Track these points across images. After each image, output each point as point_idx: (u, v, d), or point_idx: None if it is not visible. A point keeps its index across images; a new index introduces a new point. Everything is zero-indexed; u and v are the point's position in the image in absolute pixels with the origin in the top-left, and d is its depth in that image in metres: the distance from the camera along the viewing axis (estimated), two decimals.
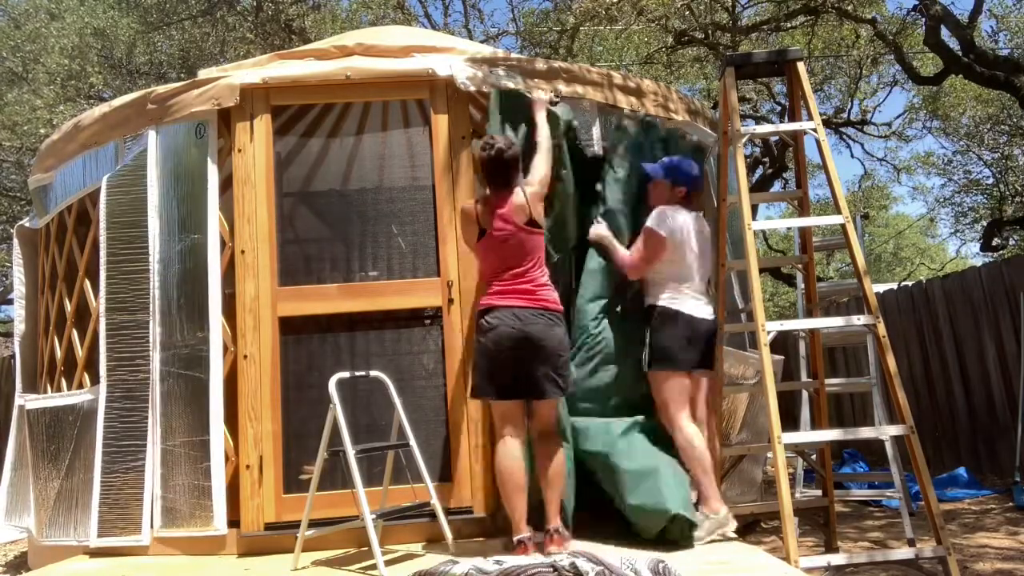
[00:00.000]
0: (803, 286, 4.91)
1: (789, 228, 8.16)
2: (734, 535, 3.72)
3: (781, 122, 10.14)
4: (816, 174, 13.20)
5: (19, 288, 5.45)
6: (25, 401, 5.02)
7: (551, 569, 2.86)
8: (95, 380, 4.32)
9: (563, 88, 4.36)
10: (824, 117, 11.13)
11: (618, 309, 4.00)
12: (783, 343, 8.60)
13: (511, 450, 3.43)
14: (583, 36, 10.88)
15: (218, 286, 4.07)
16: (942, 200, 15.83)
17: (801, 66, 4.20)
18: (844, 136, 13.79)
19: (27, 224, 5.53)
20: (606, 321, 3.97)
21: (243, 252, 4.07)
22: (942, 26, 7.32)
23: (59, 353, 4.85)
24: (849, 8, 8.50)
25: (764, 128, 5.26)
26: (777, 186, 12.31)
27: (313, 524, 3.53)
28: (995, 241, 11.99)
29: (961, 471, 6.94)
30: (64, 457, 4.47)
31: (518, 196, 3.57)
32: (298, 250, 4.99)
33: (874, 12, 9.44)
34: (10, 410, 5.96)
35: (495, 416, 3.57)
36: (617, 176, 4.22)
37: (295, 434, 3.98)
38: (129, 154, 4.47)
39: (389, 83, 4.28)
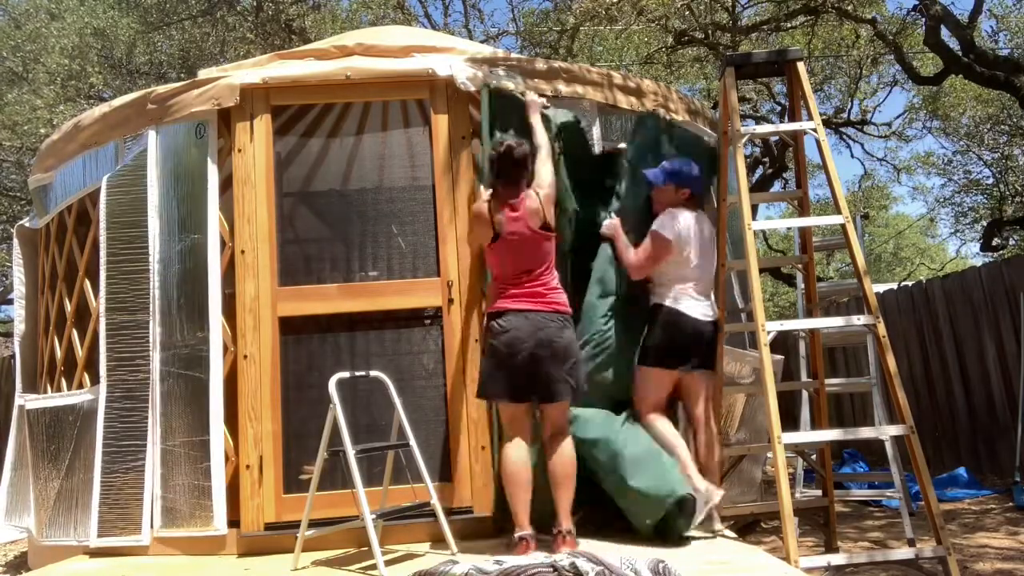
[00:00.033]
0: (803, 286, 4.91)
1: (789, 228, 8.17)
2: (729, 532, 3.73)
3: (781, 122, 10.14)
4: (816, 174, 13.20)
5: (19, 288, 5.45)
6: (25, 401, 5.02)
7: (551, 569, 2.85)
8: (95, 380, 4.32)
9: (563, 88, 4.36)
10: (824, 117, 11.12)
11: (626, 307, 4.01)
12: (783, 343, 8.60)
13: (518, 450, 3.47)
14: (583, 36, 10.88)
15: (218, 286, 4.07)
16: (942, 200, 15.85)
17: (801, 66, 4.20)
18: (844, 136, 13.79)
19: (27, 224, 5.53)
20: (614, 318, 3.98)
21: (243, 252, 4.07)
22: (942, 26, 7.32)
23: (59, 353, 4.85)
24: (849, 8, 8.50)
25: (764, 128, 5.26)
26: (777, 186, 12.31)
27: (313, 524, 3.52)
28: (995, 241, 11.99)
29: (961, 471, 6.95)
30: (64, 457, 4.47)
31: (532, 200, 3.58)
32: (298, 250, 4.99)
33: (874, 12, 9.44)
34: (10, 410, 5.96)
35: (504, 418, 3.58)
36: (635, 176, 4.22)
37: (295, 434, 3.98)
38: (129, 154, 4.47)
39: (389, 83, 4.27)
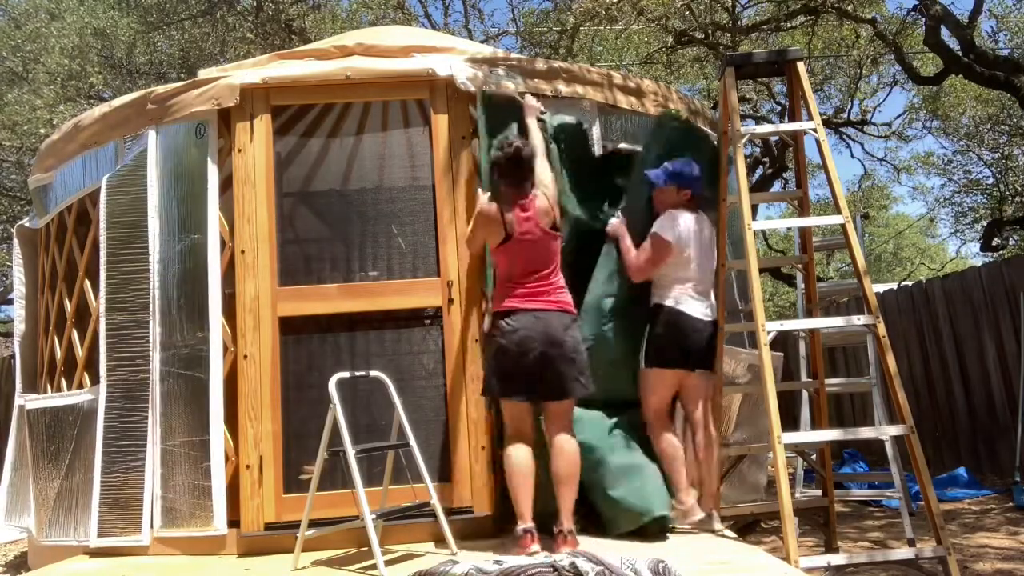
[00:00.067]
0: (803, 286, 4.91)
1: (789, 228, 8.17)
2: (729, 532, 3.73)
3: (781, 122, 10.14)
4: (816, 174, 13.21)
5: (19, 288, 5.45)
6: (25, 401, 5.02)
7: (551, 569, 2.85)
8: (95, 380, 4.32)
9: (563, 88, 4.36)
10: (824, 117, 11.13)
11: (627, 308, 4.00)
12: (783, 343, 8.60)
13: (522, 448, 3.48)
14: (583, 36, 10.88)
15: (218, 286, 4.07)
16: (942, 200, 15.86)
17: (801, 66, 4.20)
18: (844, 136, 13.80)
19: (27, 224, 5.53)
20: (615, 320, 3.98)
21: (243, 252, 4.07)
22: (942, 26, 7.32)
23: (59, 353, 4.85)
24: (849, 8, 8.50)
25: (764, 128, 5.26)
26: (777, 186, 12.31)
27: (313, 524, 3.53)
28: (995, 241, 12.00)
29: (961, 471, 6.95)
30: (64, 457, 4.47)
31: (542, 200, 3.62)
32: (298, 250, 4.99)
33: (874, 12, 9.44)
34: (10, 410, 5.96)
35: (508, 416, 3.58)
36: (642, 176, 4.20)
37: (295, 434, 3.98)
38: (129, 154, 4.47)
39: (389, 83, 4.27)
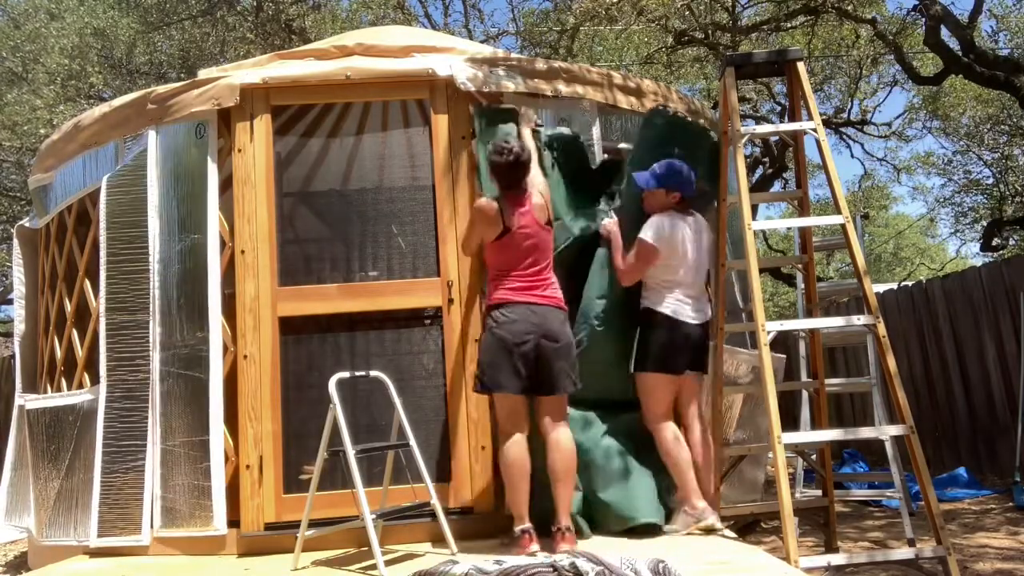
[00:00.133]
0: (803, 286, 4.91)
1: (789, 228, 8.17)
2: (729, 532, 3.73)
3: (781, 122, 10.15)
4: (816, 174, 13.20)
5: (19, 288, 5.45)
6: (25, 401, 5.02)
7: (551, 569, 2.85)
8: (95, 380, 4.32)
9: (563, 88, 4.36)
10: (824, 117, 11.12)
11: (619, 309, 4.00)
12: (783, 343, 8.60)
13: (518, 442, 3.48)
14: (583, 36, 10.88)
15: (218, 286, 4.07)
16: (942, 200, 15.85)
17: (801, 66, 4.20)
18: (844, 136, 13.80)
19: (27, 224, 5.53)
20: (608, 319, 3.97)
21: (243, 252, 4.07)
22: (942, 26, 7.32)
23: (59, 353, 4.85)
24: (849, 8, 8.50)
25: (764, 128, 5.26)
26: (777, 186, 12.31)
27: (313, 524, 3.53)
28: (995, 241, 12.00)
29: (961, 471, 6.95)
30: (64, 457, 4.47)
31: (537, 197, 3.69)
32: (298, 250, 4.99)
33: (874, 12, 9.44)
34: (10, 410, 5.96)
35: (503, 411, 3.56)
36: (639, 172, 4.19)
37: (295, 434, 3.98)
38: (129, 154, 4.47)
39: (389, 83, 4.27)
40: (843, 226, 3.96)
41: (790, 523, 3.43)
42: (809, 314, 4.48)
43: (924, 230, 22.68)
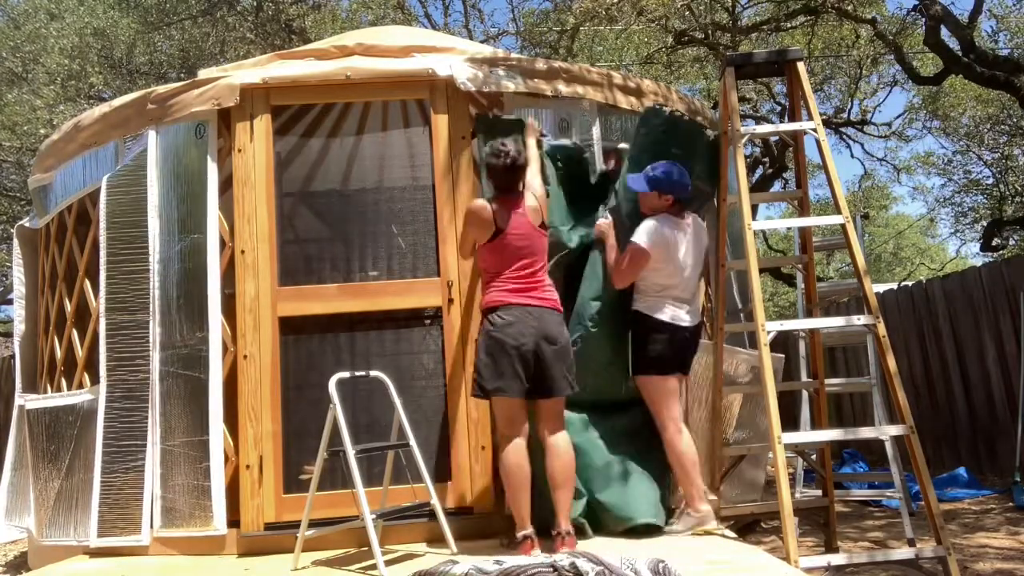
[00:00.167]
0: (803, 286, 4.91)
1: (789, 228, 8.17)
2: (729, 532, 3.73)
3: (781, 122, 10.14)
4: (816, 174, 13.21)
5: (19, 288, 5.45)
6: (25, 401, 5.02)
7: (551, 569, 2.85)
8: (95, 380, 4.32)
9: (563, 88, 4.36)
10: (824, 117, 11.12)
11: (614, 309, 4.00)
12: (783, 343, 8.60)
13: (517, 448, 3.46)
14: (583, 36, 10.88)
15: (217, 286, 4.07)
16: (942, 200, 15.85)
17: (801, 66, 4.20)
18: (844, 136, 13.79)
19: (27, 224, 5.53)
20: (603, 320, 3.97)
21: (243, 252, 4.07)
22: (942, 26, 7.32)
23: (59, 353, 4.85)
24: (849, 8, 8.50)
25: (764, 128, 5.26)
26: (777, 186, 12.31)
27: (313, 524, 3.52)
28: (995, 241, 11.99)
29: (961, 471, 6.95)
30: (64, 457, 4.47)
31: (531, 200, 3.68)
32: (298, 250, 4.98)
33: (874, 12, 9.44)
34: (10, 410, 5.96)
35: (501, 414, 3.54)
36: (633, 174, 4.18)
37: (295, 434, 3.98)
38: (129, 154, 4.47)
39: (389, 83, 4.28)
40: (843, 226, 3.96)
41: (790, 523, 3.43)
42: (809, 314, 4.48)
43: (924, 230, 22.68)
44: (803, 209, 4.36)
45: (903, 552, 3.90)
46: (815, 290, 4.48)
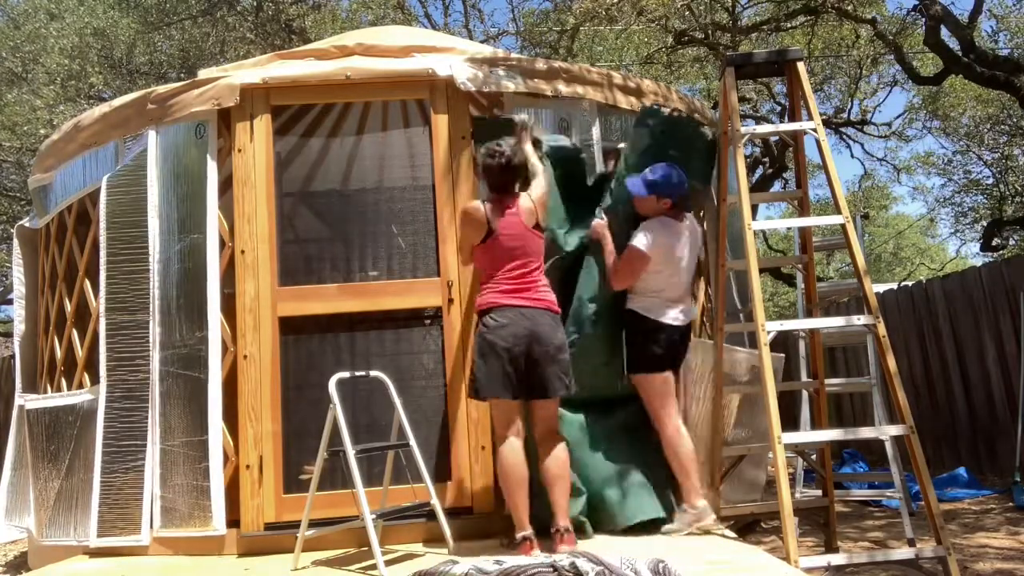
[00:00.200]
0: (803, 286, 4.91)
1: (789, 228, 8.17)
2: (729, 532, 3.73)
3: (781, 122, 10.14)
4: (816, 174, 13.20)
5: (19, 288, 5.45)
6: (25, 401, 5.02)
7: (551, 569, 2.85)
8: (95, 380, 4.32)
9: (563, 88, 4.35)
10: (824, 117, 11.12)
11: (611, 309, 4.00)
12: (783, 343, 8.60)
13: (513, 448, 3.46)
14: (583, 36, 10.88)
15: (217, 286, 4.07)
16: (942, 200, 15.85)
17: (801, 66, 4.20)
18: (844, 136, 13.79)
19: (27, 224, 5.53)
20: (599, 320, 3.98)
21: (243, 252, 4.07)
22: (942, 26, 7.32)
23: (59, 353, 4.85)
24: (849, 8, 8.50)
25: (764, 128, 5.26)
26: (777, 186, 12.31)
27: (313, 524, 3.52)
28: (995, 241, 11.99)
29: (961, 471, 6.95)
30: (64, 457, 4.47)
31: (526, 200, 3.65)
32: (298, 250, 4.98)
33: (874, 12, 9.44)
34: (10, 410, 5.96)
35: (497, 415, 3.56)
36: (630, 175, 4.18)
37: (295, 434, 3.98)
38: (129, 154, 4.47)
39: (389, 83, 4.28)
40: (843, 226, 3.96)
41: (790, 523, 3.43)
42: (809, 314, 4.47)
43: (924, 230, 22.68)
44: (803, 209, 4.36)
45: (903, 552, 3.90)
46: (815, 290, 4.48)
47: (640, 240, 3.83)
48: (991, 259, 11.80)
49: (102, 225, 4.36)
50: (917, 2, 7.45)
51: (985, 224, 12.85)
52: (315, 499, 3.49)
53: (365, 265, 4.46)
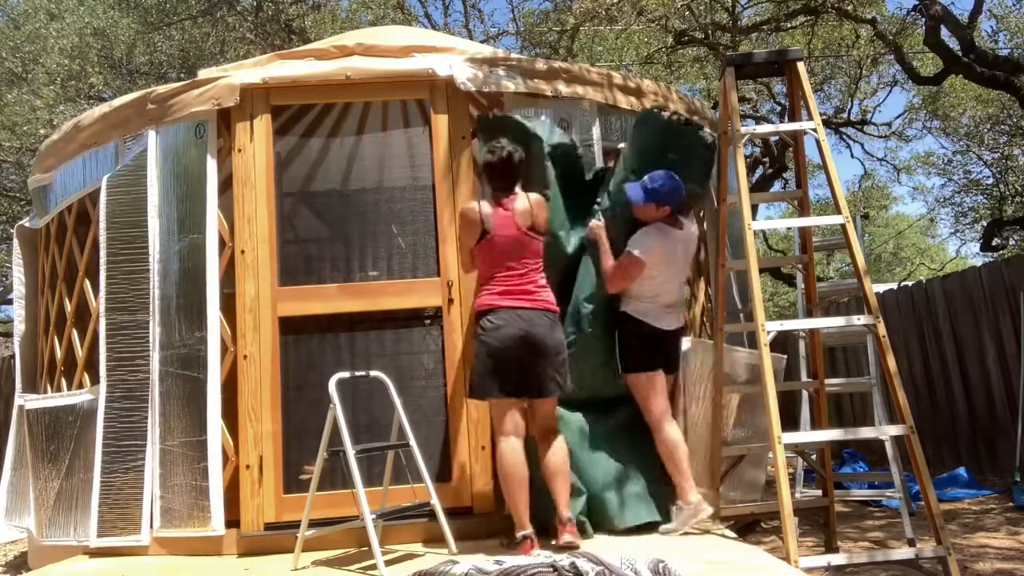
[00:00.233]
0: (803, 286, 4.91)
1: (789, 228, 8.17)
2: (729, 532, 3.73)
3: (781, 122, 10.14)
4: (816, 174, 13.20)
5: (19, 288, 5.45)
6: (25, 401, 5.02)
7: (551, 569, 2.86)
8: (95, 380, 4.32)
9: (563, 88, 4.36)
10: (824, 117, 11.12)
11: (609, 309, 4.01)
12: (783, 343, 8.60)
13: (513, 448, 3.48)
14: (583, 36, 10.88)
15: (216, 286, 4.07)
16: (942, 200, 15.85)
17: (801, 66, 4.20)
18: (844, 136, 13.79)
19: (27, 224, 5.53)
20: (597, 320, 3.98)
21: (243, 252, 4.07)
22: (942, 26, 7.31)
23: (59, 353, 4.85)
24: (849, 8, 8.50)
25: (764, 128, 5.26)
26: (777, 186, 12.31)
27: (313, 524, 3.52)
28: (995, 241, 11.99)
29: (961, 471, 6.94)
30: (64, 457, 4.47)
31: (522, 201, 3.66)
32: (298, 250, 4.98)
33: (874, 12, 9.44)
34: (10, 410, 5.96)
35: (496, 415, 3.58)
36: (628, 177, 4.17)
37: (295, 434, 3.98)
38: (129, 154, 4.47)
39: (389, 83, 4.28)
40: (843, 226, 3.96)
41: (790, 523, 3.43)
42: (809, 314, 4.47)
43: (924, 230, 22.68)
44: (803, 209, 4.36)
45: (903, 552, 3.90)
46: (815, 290, 4.48)
47: (637, 245, 3.85)
48: (991, 259, 11.79)
49: (102, 225, 4.36)
50: (917, 2, 7.45)
51: (985, 224, 12.85)
52: (315, 499, 3.49)
53: (365, 265, 4.46)
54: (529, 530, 3.38)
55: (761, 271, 4.24)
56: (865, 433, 4.35)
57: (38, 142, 9.02)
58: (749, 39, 10.36)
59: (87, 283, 4.64)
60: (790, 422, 4.47)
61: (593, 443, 3.89)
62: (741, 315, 5.13)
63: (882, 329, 3.80)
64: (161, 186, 4.27)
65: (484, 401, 3.70)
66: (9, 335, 12.55)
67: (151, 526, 3.94)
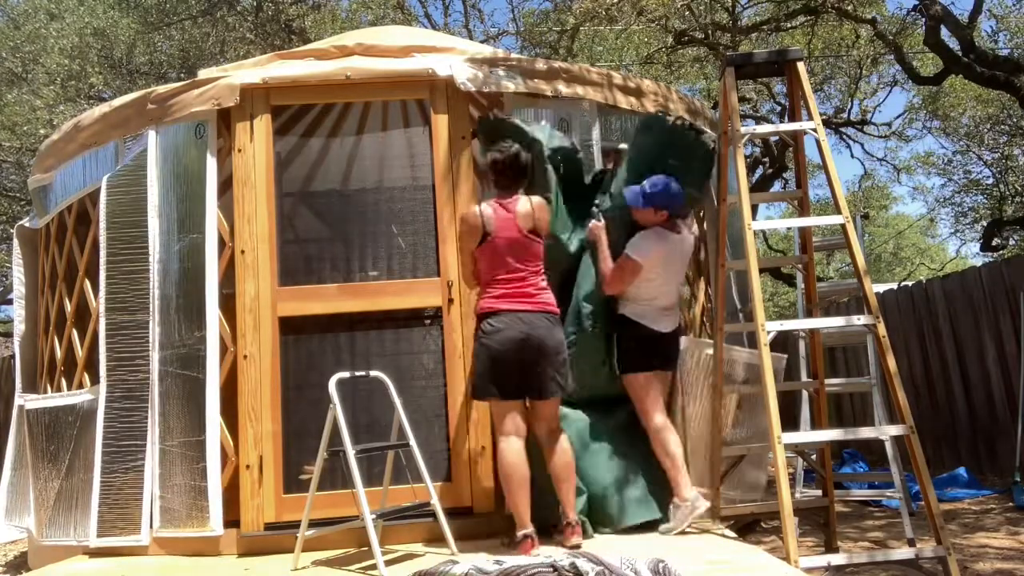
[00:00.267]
0: (803, 286, 4.91)
1: (789, 228, 8.16)
2: (729, 532, 3.73)
3: (781, 122, 10.14)
4: (816, 174, 13.20)
5: (19, 288, 5.45)
6: (25, 401, 5.02)
7: (551, 569, 2.86)
8: (95, 380, 4.32)
9: (563, 88, 4.35)
10: (824, 117, 11.12)
11: (607, 308, 4.01)
12: (783, 343, 8.60)
13: (514, 448, 3.49)
14: (583, 36, 10.88)
15: (216, 286, 4.06)
16: (942, 200, 15.85)
17: (801, 66, 4.20)
18: (844, 136, 13.79)
19: (27, 224, 5.53)
20: (597, 320, 3.99)
21: (243, 252, 4.07)
22: (942, 26, 7.31)
23: (59, 353, 4.85)
24: (849, 8, 8.50)
25: (764, 128, 5.25)
26: (777, 186, 12.31)
27: (313, 524, 3.52)
28: (995, 241, 11.99)
29: (961, 471, 6.94)
30: (64, 457, 4.47)
31: (524, 204, 3.66)
32: (298, 250, 4.99)
33: (874, 12, 9.44)
34: (10, 410, 5.96)
35: (497, 416, 3.59)
36: (628, 178, 4.17)
37: (295, 434, 3.98)
38: (129, 154, 4.47)
39: (389, 83, 4.28)
40: (843, 226, 3.96)
41: (790, 523, 3.43)
42: (809, 314, 4.47)
43: (924, 230, 22.68)
44: (803, 209, 4.36)
45: (903, 552, 3.90)
46: (815, 290, 4.48)
47: (635, 249, 3.87)
48: (991, 259, 11.79)
49: (102, 225, 4.36)
50: (917, 2, 7.45)
51: (985, 224, 12.85)
52: (315, 499, 3.49)
53: (365, 265, 4.46)
54: (530, 529, 3.39)
55: (761, 271, 4.24)
56: (865, 433, 4.35)
57: (38, 142, 9.03)
58: (749, 39, 10.36)
59: (87, 283, 4.64)
60: (790, 422, 4.47)
61: (594, 442, 3.90)
62: (741, 315, 5.13)
63: (882, 329, 3.80)
64: (161, 186, 4.27)
65: (485, 402, 3.72)
66: (9, 335, 12.55)
67: (151, 526, 3.94)
